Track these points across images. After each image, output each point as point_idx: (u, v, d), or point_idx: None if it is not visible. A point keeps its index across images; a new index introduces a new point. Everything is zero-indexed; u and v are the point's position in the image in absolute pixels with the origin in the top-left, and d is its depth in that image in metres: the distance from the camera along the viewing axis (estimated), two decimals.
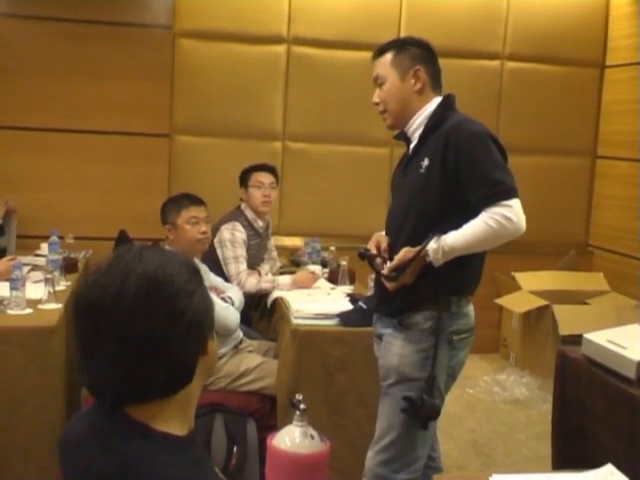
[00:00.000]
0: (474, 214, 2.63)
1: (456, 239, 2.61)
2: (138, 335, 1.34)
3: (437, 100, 2.85)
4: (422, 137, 2.80)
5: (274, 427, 3.26)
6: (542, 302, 5.62)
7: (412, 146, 2.87)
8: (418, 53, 2.84)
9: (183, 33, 5.68)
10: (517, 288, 5.92)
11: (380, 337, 2.91)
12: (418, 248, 2.64)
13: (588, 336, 3.16)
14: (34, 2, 5.38)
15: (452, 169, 2.65)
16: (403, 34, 5.96)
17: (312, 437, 2.78)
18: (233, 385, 3.65)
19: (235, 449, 3.46)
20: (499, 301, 5.93)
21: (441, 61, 5.90)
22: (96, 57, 5.45)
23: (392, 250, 2.79)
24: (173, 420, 1.41)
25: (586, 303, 5.78)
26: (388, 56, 2.84)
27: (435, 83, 2.87)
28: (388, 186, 6.04)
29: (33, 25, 5.40)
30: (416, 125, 2.84)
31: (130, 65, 5.51)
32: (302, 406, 2.78)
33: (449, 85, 6.49)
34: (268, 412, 3.63)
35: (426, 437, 2.79)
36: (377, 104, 2.88)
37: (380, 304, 2.91)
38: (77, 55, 5.43)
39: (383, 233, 2.95)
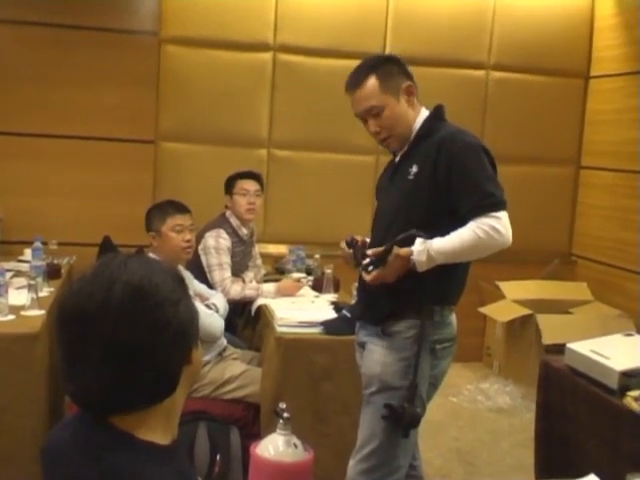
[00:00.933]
0: (461, 224, 2.62)
1: (443, 245, 2.60)
2: (122, 344, 1.34)
3: (424, 110, 2.85)
4: (412, 145, 2.79)
5: (258, 435, 3.25)
6: (526, 311, 5.64)
7: (400, 153, 2.86)
8: (398, 69, 2.79)
9: (169, 40, 5.67)
10: (501, 297, 5.94)
11: (362, 345, 2.90)
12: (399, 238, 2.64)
13: (571, 346, 3.18)
14: (18, 7, 5.34)
15: (443, 177, 2.65)
16: (389, 43, 5.99)
17: (295, 446, 2.78)
18: (217, 392, 3.63)
19: (218, 457, 3.45)
20: (483, 310, 5.95)
21: (426, 70, 6.02)
22: (81, 63, 5.42)
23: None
24: (157, 429, 1.41)
25: (569, 312, 5.80)
26: (373, 83, 2.74)
27: (417, 95, 2.86)
28: (373, 194, 6.04)
29: (17, 30, 5.36)
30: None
31: (115, 71, 5.48)
32: (285, 414, 2.78)
33: (434, 94, 6.45)
34: (252, 420, 3.62)
35: (407, 446, 2.79)
36: (378, 133, 2.81)
37: (363, 312, 2.91)
38: (62, 61, 5.40)
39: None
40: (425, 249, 2.60)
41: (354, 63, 5.73)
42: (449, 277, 2.73)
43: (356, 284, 3.99)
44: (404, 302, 2.70)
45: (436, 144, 2.69)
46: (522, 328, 5.72)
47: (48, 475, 1.45)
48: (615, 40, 6.12)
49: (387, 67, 2.78)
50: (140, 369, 1.35)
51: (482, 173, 2.64)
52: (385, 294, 2.71)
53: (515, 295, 5.87)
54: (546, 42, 6.22)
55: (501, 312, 5.81)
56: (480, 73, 6.21)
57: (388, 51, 5.98)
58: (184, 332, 1.41)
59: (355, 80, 2.79)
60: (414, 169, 2.72)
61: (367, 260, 2.69)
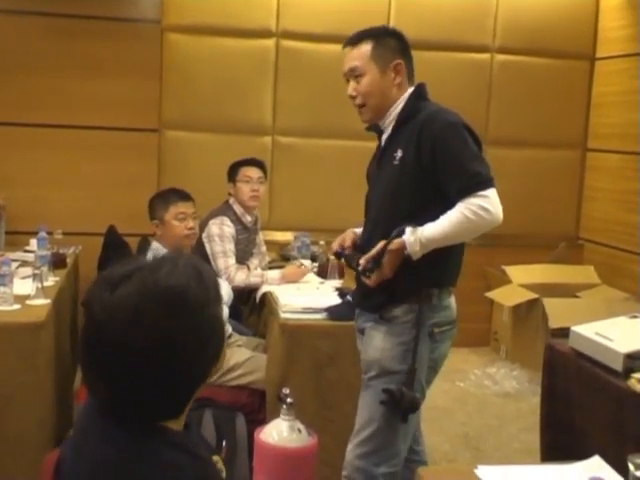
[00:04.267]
0: (450, 205, 2.60)
1: (434, 230, 2.58)
2: (146, 365, 1.33)
3: (410, 90, 2.82)
4: (395, 128, 2.77)
5: (263, 421, 3.25)
6: (532, 295, 5.62)
7: (384, 137, 2.84)
8: (396, 45, 2.79)
9: (171, 28, 5.66)
10: (507, 282, 5.93)
11: (362, 331, 2.89)
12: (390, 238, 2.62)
13: (576, 329, 3.16)
14: None
15: (427, 159, 2.63)
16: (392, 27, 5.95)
17: (299, 431, 2.80)
18: (222, 379, 3.64)
19: (224, 444, 3.44)
20: (489, 295, 5.94)
21: (430, 54, 5.98)
22: (84, 52, 5.43)
23: (369, 244, 2.74)
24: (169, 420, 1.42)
25: (576, 296, 5.79)
26: (366, 47, 2.76)
27: (411, 74, 2.84)
28: None
29: (19, 20, 5.37)
30: (391, 117, 2.80)
31: (118, 60, 5.49)
32: (289, 400, 2.80)
33: (438, 78, 6.48)
34: (257, 406, 3.62)
35: (407, 431, 2.77)
36: (353, 97, 2.81)
37: (361, 299, 2.90)
38: (65, 50, 5.41)
39: (352, 230, 2.96)
40: (417, 239, 2.58)
41: None
42: (444, 259, 2.70)
43: None
44: (401, 287, 2.68)
45: (418, 125, 2.67)
46: (528, 312, 5.71)
47: (69, 472, 1.43)
48: (621, 21, 6.07)
49: (386, 39, 2.78)
50: (157, 390, 1.36)
51: (465, 152, 2.61)
52: (382, 281, 2.69)
53: (521, 279, 5.86)
54: (551, 24, 6.18)
55: (507, 297, 5.80)
56: (484, 56, 6.18)
57: None
58: (212, 355, 1.42)
59: (353, 39, 2.81)
60: (399, 154, 2.70)
61: (361, 267, 2.68)
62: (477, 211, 2.55)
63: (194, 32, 5.70)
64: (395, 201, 2.71)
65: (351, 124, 5.88)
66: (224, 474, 1.55)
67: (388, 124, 2.81)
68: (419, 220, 2.61)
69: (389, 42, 2.77)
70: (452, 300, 2.83)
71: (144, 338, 1.31)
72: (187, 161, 5.72)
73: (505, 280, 5.95)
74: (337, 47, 5.74)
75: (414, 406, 2.65)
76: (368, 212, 2.91)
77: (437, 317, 2.74)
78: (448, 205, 2.60)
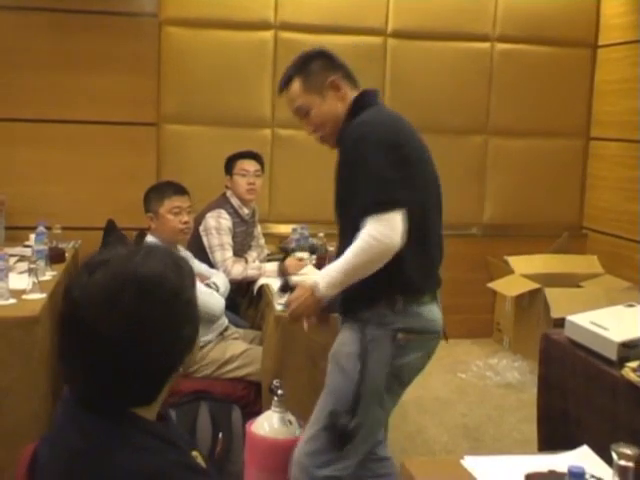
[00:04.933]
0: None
1: (334, 272, 2.52)
2: (123, 348, 1.34)
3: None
4: (338, 138, 2.68)
5: (259, 413, 3.24)
6: (534, 285, 5.60)
7: None
8: (322, 64, 2.71)
9: (169, 21, 5.65)
10: (510, 272, 5.90)
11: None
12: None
13: (571, 318, 3.16)
14: None
15: (341, 180, 2.60)
16: (391, 17, 5.94)
17: (290, 422, 2.80)
18: (218, 372, 3.64)
19: (220, 436, 3.45)
20: (491, 285, 5.91)
21: (430, 44, 5.96)
22: (81, 46, 5.42)
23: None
24: (141, 410, 1.42)
25: (580, 286, 5.75)
26: (297, 84, 2.70)
27: (351, 81, 2.74)
28: None
29: (16, 16, 5.36)
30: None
31: (116, 54, 5.47)
32: (280, 391, 2.79)
33: (439, 68, 6.44)
34: (253, 399, 3.62)
35: (364, 435, 2.63)
36: (313, 132, 2.75)
37: (335, 303, 2.77)
38: (62, 45, 5.40)
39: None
40: (323, 275, 2.55)
41: (356, 39, 5.81)
42: (397, 268, 2.53)
43: None
44: (366, 292, 2.57)
45: (340, 142, 2.62)
46: (531, 303, 5.68)
47: (44, 463, 1.43)
48: (623, 7, 6.02)
49: (310, 66, 2.70)
50: (132, 375, 1.36)
51: (371, 169, 2.47)
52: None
53: (524, 270, 5.83)
54: (552, 11, 6.14)
55: (509, 287, 5.77)
56: (485, 45, 6.14)
57: (390, 26, 5.93)
58: (185, 342, 1.43)
59: (282, 82, 2.76)
60: (336, 172, 2.65)
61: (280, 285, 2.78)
62: (375, 235, 2.43)
63: (192, 25, 5.68)
64: (339, 213, 2.69)
65: None
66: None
67: None
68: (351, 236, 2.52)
69: (313, 67, 2.70)
70: (426, 309, 2.66)
71: (118, 321, 1.33)
72: (186, 155, 5.71)
73: (508, 270, 5.92)
74: (336, 38, 5.83)
75: (347, 439, 2.53)
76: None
77: (402, 323, 2.58)
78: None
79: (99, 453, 1.33)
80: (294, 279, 2.65)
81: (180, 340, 1.41)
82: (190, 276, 1.48)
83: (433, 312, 2.68)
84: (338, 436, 2.52)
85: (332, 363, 2.67)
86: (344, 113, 2.68)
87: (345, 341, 2.64)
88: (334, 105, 2.68)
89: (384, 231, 2.42)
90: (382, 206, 2.44)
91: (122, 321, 1.33)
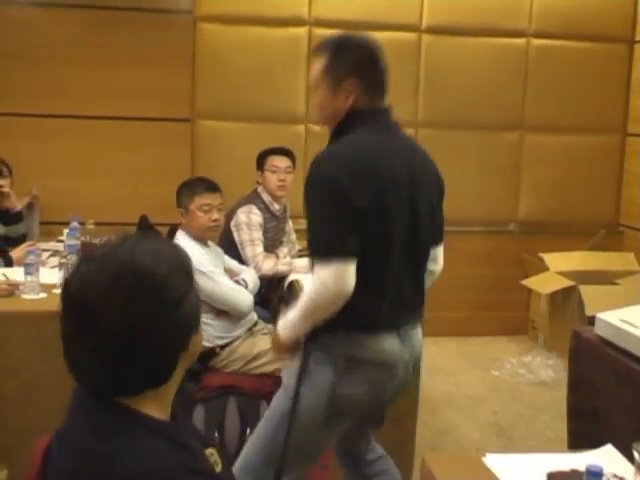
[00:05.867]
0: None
1: (287, 320, 2.49)
2: (120, 334, 1.35)
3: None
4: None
5: None
6: (568, 283, 5.54)
7: None
8: (354, 61, 2.52)
9: (203, 17, 5.68)
10: (545, 269, 5.85)
11: None
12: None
13: (601, 316, 3.12)
14: None
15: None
16: (426, 13, 5.91)
17: None
18: (247, 367, 3.64)
19: (248, 431, 3.46)
20: (525, 282, 5.87)
21: (465, 40, 5.92)
22: (117, 43, 5.48)
23: None
24: (152, 409, 1.43)
25: (615, 283, 5.68)
26: (322, 61, 2.54)
27: (372, 92, 2.53)
28: None
29: (54, 13, 5.44)
30: None
31: (151, 50, 5.53)
32: None
33: (474, 64, 6.36)
34: None
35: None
36: (314, 108, 2.66)
37: None
38: (98, 42, 5.46)
39: None
40: (280, 326, 2.53)
41: (390, 35, 5.79)
42: (351, 301, 2.37)
43: None
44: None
45: None
46: (565, 300, 5.63)
47: (55, 458, 1.45)
48: None
49: (344, 53, 2.53)
50: (136, 358, 1.37)
51: (315, 215, 2.37)
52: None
53: (559, 267, 5.77)
54: (588, 6, 6.07)
55: (544, 284, 5.72)
56: (520, 41, 6.08)
57: (425, 22, 5.91)
58: (184, 324, 1.43)
59: (317, 48, 2.62)
60: None
61: None
62: (314, 287, 2.36)
63: (226, 21, 5.71)
64: None
65: None
66: (220, 467, 1.54)
67: None
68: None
69: (346, 56, 2.53)
70: (376, 340, 2.47)
71: (116, 306, 1.35)
72: (220, 151, 5.74)
73: (543, 268, 5.87)
74: (370, 34, 5.77)
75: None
76: None
77: (348, 350, 2.43)
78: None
79: (107, 455, 1.34)
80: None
81: (180, 318, 1.41)
82: (188, 274, 1.47)
83: (386, 343, 2.48)
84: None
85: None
86: (342, 115, 2.53)
87: (293, 360, 2.57)
88: (337, 101, 2.53)
89: (330, 279, 2.30)
90: (329, 254, 2.31)
91: (121, 304, 1.35)
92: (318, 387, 2.44)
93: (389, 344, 2.47)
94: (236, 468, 2.53)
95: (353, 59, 2.53)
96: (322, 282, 2.31)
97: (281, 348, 2.57)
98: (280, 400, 2.55)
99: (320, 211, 2.35)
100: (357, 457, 2.85)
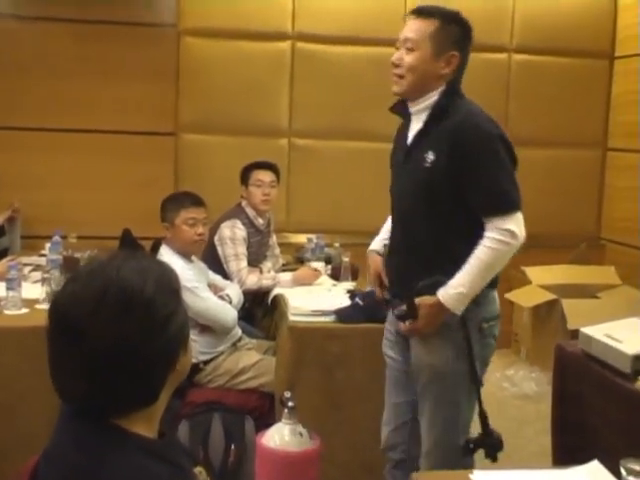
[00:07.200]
0: (475, 217, 2.56)
1: (465, 280, 2.52)
2: (107, 353, 1.34)
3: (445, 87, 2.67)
4: (427, 122, 2.66)
5: (273, 425, 3.24)
6: (550, 296, 5.56)
7: (414, 127, 2.73)
8: (459, 36, 2.64)
9: (187, 31, 5.69)
10: (527, 283, 5.87)
11: (397, 334, 2.83)
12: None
13: (585, 330, 3.13)
14: (38, 3, 5.41)
15: (458, 169, 2.54)
16: None
17: (301, 435, 2.78)
18: (231, 383, 3.64)
19: (233, 447, 3.45)
20: (508, 296, 5.87)
21: None
22: (101, 56, 5.47)
23: (402, 243, 2.74)
24: (140, 428, 1.42)
25: (597, 297, 5.72)
26: (430, 25, 2.61)
27: (460, 70, 2.69)
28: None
29: (38, 26, 5.43)
30: (423, 106, 2.69)
31: (135, 64, 5.53)
32: (290, 403, 2.78)
33: None
34: (267, 410, 3.62)
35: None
36: (396, 65, 2.68)
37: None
38: (82, 55, 5.45)
39: (374, 254, 2.95)
40: (453, 293, 2.53)
41: (373, 50, 5.82)
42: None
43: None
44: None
45: (451, 131, 2.56)
46: (548, 314, 5.65)
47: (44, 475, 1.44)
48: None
49: (453, 26, 2.64)
50: (123, 378, 1.36)
51: (498, 169, 2.54)
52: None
53: (541, 280, 5.80)
54: (569, 23, 6.12)
55: (526, 297, 5.74)
56: (502, 56, 6.13)
57: None
58: (172, 343, 1.42)
59: (422, 10, 2.67)
60: (430, 156, 2.59)
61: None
62: (502, 238, 2.51)
63: (210, 35, 5.72)
64: (429, 206, 2.63)
65: (367, 126, 5.94)
66: None
67: (418, 112, 2.71)
68: (449, 226, 2.58)
69: (454, 30, 2.63)
70: (495, 294, 2.76)
71: (104, 323, 1.33)
72: (204, 164, 5.73)
73: (525, 281, 5.89)
74: (353, 49, 5.85)
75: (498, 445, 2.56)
76: (395, 212, 2.84)
77: (484, 312, 2.66)
78: (472, 217, 2.57)
79: (95, 472, 1.33)
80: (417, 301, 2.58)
81: (169, 337, 1.40)
82: (174, 294, 1.46)
83: (497, 296, 2.78)
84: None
85: (425, 375, 2.70)
86: (433, 87, 2.63)
87: (434, 348, 2.67)
88: (433, 72, 2.62)
89: (519, 229, 2.54)
90: (517, 204, 2.54)
91: (109, 322, 1.33)
92: (478, 358, 2.58)
93: (497, 297, 2.78)
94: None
95: (461, 34, 2.65)
96: (511, 233, 2.50)
97: (431, 321, 2.57)
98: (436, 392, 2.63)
99: (503, 165, 2.54)
100: None
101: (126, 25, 5.52)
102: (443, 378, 2.65)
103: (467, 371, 2.54)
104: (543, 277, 5.84)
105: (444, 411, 2.67)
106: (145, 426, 1.42)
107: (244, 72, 5.77)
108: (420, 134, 2.69)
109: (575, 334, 5.01)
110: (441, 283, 2.54)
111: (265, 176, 4.48)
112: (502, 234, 2.51)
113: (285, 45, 5.83)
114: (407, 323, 2.63)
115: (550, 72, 6.18)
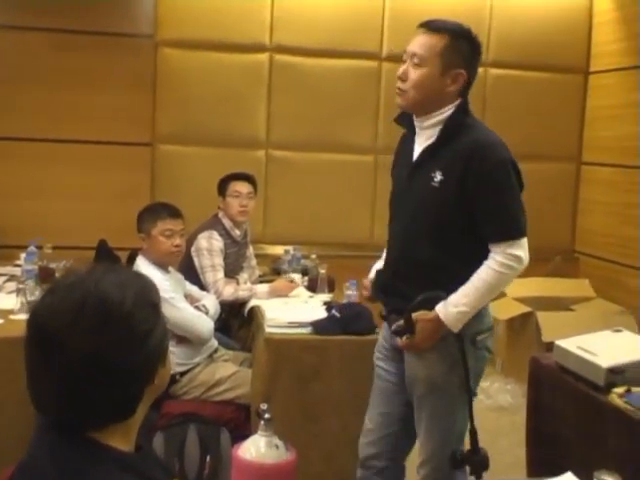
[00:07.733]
0: (480, 240, 2.59)
1: (466, 298, 2.54)
2: (85, 366, 1.33)
3: (455, 103, 2.65)
4: (438, 140, 2.62)
5: (249, 437, 3.23)
6: (525, 309, 5.60)
7: (422, 143, 2.69)
8: (468, 53, 2.62)
9: (165, 42, 5.68)
10: (503, 295, 5.89)
11: (391, 349, 2.83)
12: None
13: (559, 343, 3.16)
14: (16, 12, 5.38)
15: (470, 192, 2.54)
16: (386, 42, 5.96)
17: (277, 447, 2.77)
18: (207, 394, 3.63)
19: (208, 459, 3.44)
20: None
21: None
22: (78, 66, 5.45)
23: (401, 263, 2.73)
24: (117, 441, 1.41)
25: (571, 309, 5.76)
26: (439, 41, 2.60)
27: (467, 87, 2.68)
28: (372, 194, 6.03)
29: (15, 35, 5.40)
30: (431, 123, 2.65)
31: (112, 74, 5.51)
32: (267, 415, 2.77)
33: None
34: (243, 422, 3.61)
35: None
36: (401, 80, 2.65)
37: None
38: (59, 65, 5.43)
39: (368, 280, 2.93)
40: (454, 312, 2.54)
41: (351, 63, 5.85)
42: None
43: (347, 284, 4.00)
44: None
45: (464, 153, 2.54)
46: (523, 326, 5.68)
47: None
48: (614, 35, 6.07)
49: (462, 43, 2.62)
50: (100, 391, 1.35)
51: (509, 195, 2.59)
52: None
53: (516, 293, 5.82)
54: (545, 38, 6.18)
55: (501, 310, 5.76)
56: (478, 70, 6.15)
57: (385, 50, 5.96)
58: (151, 357, 1.41)
59: (432, 25, 2.65)
60: (438, 176, 2.58)
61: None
62: (509, 262, 2.57)
63: (188, 46, 5.72)
64: (428, 226, 2.63)
65: (344, 138, 5.96)
66: None
67: (427, 127, 2.67)
68: (452, 248, 2.59)
69: (463, 47, 2.62)
70: (489, 306, 2.78)
71: (83, 335, 1.32)
72: (180, 175, 5.72)
73: (500, 293, 5.91)
74: (331, 61, 5.87)
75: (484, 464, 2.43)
76: (394, 223, 2.83)
77: (478, 323, 2.66)
78: (477, 239, 2.59)
79: None
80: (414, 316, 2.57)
81: (148, 351, 1.39)
82: (154, 307, 1.45)
83: (490, 308, 2.82)
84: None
85: (421, 388, 2.72)
86: (439, 104, 2.61)
87: (429, 363, 2.68)
88: (439, 89, 2.60)
89: (525, 254, 2.61)
90: (524, 231, 2.61)
91: (87, 334, 1.32)
92: (472, 372, 2.48)
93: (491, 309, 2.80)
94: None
95: (469, 52, 2.64)
96: (518, 258, 2.58)
97: (428, 337, 2.59)
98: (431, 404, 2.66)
99: (514, 191, 2.60)
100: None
101: (103, 35, 5.51)
102: (439, 390, 2.66)
103: (462, 383, 2.53)
104: (518, 290, 5.85)
105: (441, 422, 2.69)
106: (122, 439, 1.41)
107: (222, 83, 5.77)
108: (428, 152, 2.66)
109: (550, 346, 5.06)
110: (440, 298, 2.54)
111: (242, 187, 4.49)
112: (509, 259, 2.56)
113: (263, 57, 5.84)
114: (404, 338, 2.63)
115: (525, 86, 6.23)
